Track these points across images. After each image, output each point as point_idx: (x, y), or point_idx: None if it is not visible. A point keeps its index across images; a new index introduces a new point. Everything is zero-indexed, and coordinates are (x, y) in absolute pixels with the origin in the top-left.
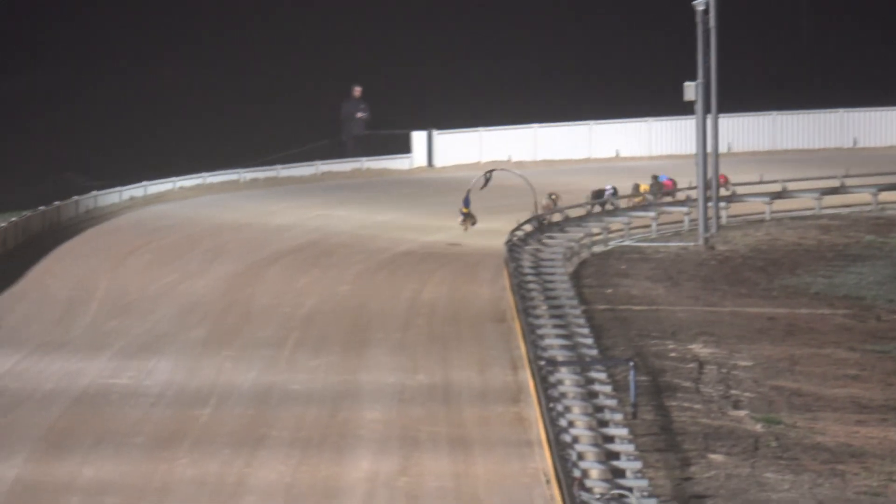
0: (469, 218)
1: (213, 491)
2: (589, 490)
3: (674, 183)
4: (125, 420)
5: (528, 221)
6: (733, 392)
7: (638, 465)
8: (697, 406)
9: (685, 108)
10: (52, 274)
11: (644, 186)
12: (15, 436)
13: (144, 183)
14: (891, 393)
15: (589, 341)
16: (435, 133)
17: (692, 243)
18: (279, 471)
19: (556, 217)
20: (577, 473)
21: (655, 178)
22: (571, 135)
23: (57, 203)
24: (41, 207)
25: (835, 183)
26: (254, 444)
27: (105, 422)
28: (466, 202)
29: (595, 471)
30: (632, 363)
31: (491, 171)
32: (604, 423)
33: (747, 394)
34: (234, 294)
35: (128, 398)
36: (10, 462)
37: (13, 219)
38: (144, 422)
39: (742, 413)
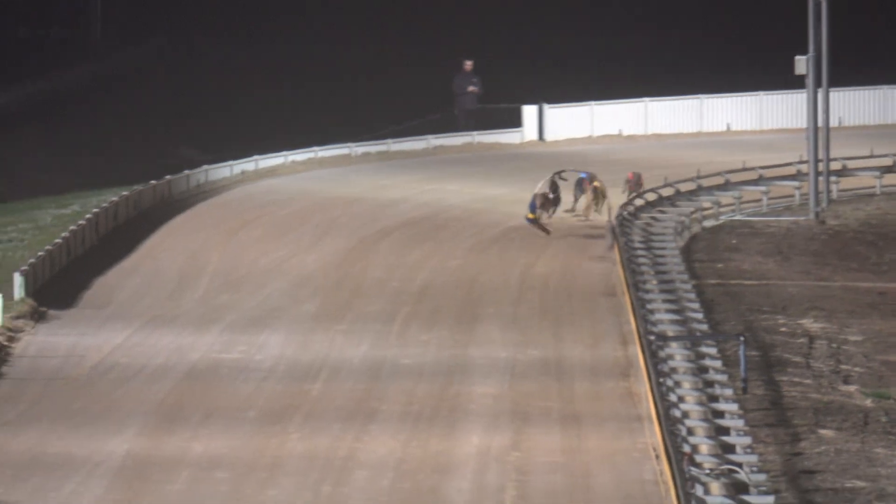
0: (542, 217)
1: (323, 465)
2: (699, 465)
3: (635, 176)
4: (235, 395)
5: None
6: (843, 367)
7: (748, 440)
8: (807, 381)
9: (796, 82)
10: (162, 248)
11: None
12: (125, 410)
13: (255, 157)
14: None
15: (699, 316)
16: (546, 107)
17: (803, 217)
18: (389, 445)
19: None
20: (686, 449)
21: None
22: (682, 109)
23: (168, 177)
24: (152, 182)
25: None
26: (364, 418)
27: (215, 396)
28: (532, 207)
29: (704, 446)
30: (742, 338)
31: (561, 172)
32: (714, 399)
33: (857, 369)
34: (346, 268)
35: (238, 372)
36: (121, 436)
37: (124, 193)
38: (255, 396)
39: (852, 388)
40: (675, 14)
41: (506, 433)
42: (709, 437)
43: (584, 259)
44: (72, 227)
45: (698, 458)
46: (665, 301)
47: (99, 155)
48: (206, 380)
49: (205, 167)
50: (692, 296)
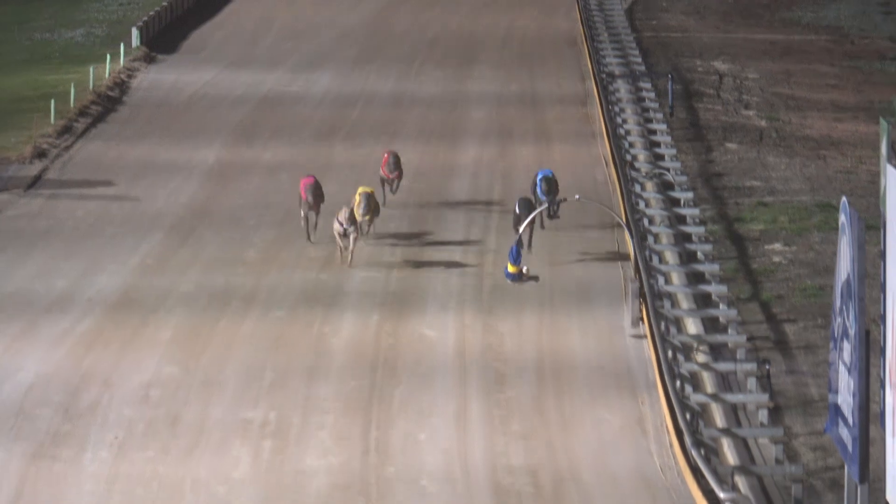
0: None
1: (360, 168)
2: (637, 169)
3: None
4: (295, 117)
5: None
6: (744, 97)
7: (673, 151)
8: (717, 107)
9: None
10: (241, 10)
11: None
12: (214, 128)
13: None
14: (861, 98)
15: (638, 60)
16: None
17: None
18: (409, 155)
19: None
20: (628, 157)
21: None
22: None
23: None
24: None
25: None
26: (390, 135)
27: (280, 118)
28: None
29: (641, 155)
30: (670, 75)
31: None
32: (648, 120)
33: (755, 98)
34: (377, 24)
35: (297, 101)
36: (211, 148)
37: None
38: (309, 118)
39: (751, 112)
40: None
41: (494, 146)
42: (644, 149)
43: (553, 19)
44: None
45: (637, 164)
46: (613, 49)
47: None
48: (274, 106)
49: None
50: (633, 45)
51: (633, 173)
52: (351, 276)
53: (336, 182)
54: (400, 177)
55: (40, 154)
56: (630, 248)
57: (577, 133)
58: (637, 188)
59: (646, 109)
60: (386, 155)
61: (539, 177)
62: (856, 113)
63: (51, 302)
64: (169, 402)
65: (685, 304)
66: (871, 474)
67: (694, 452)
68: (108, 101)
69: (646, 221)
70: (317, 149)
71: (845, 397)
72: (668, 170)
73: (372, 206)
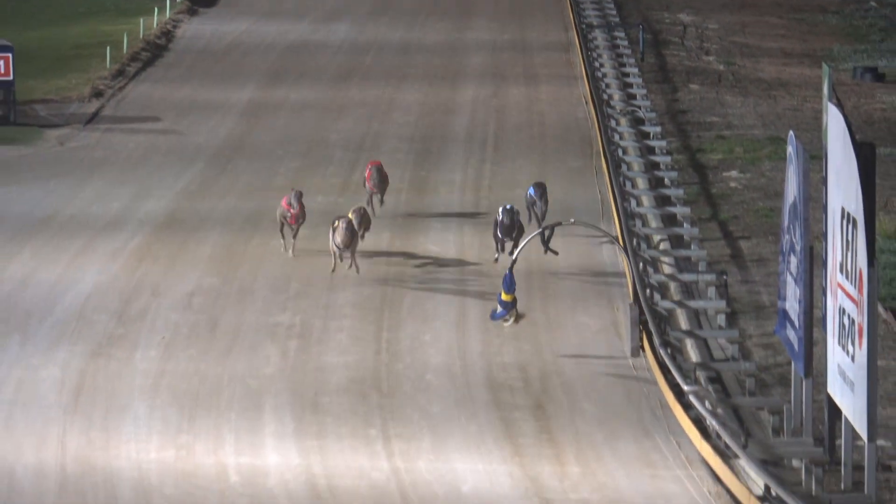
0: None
1: (373, 107)
2: (612, 107)
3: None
4: (317, 62)
5: None
6: (705, 45)
7: (644, 91)
8: (682, 54)
9: None
10: None
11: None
12: (247, 72)
13: None
14: (806, 46)
15: (613, 12)
16: None
17: None
18: (416, 95)
19: None
20: (605, 97)
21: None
22: None
23: None
24: None
25: None
26: (399, 78)
27: (304, 63)
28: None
29: (616, 95)
30: (641, 26)
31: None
32: (622, 65)
33: (714, 46)
34: None
35: (319, 48)
36: (245, 89)
37: None
38: (329, 64)
39: (711, 58)
40: None
41: (489, 87)
42: (619, 90)
43: None
44: None
45: (612, 103)
46: (591, 3)
47: None
48: (299, 53)
49: None
50: (609, 0)
51: (609, 110)
52: (363, 198)
53: (351, 118)
54: (385, 188)
55: (97, 94)
56: (627, 270)
57: (561, 76)
58: (612, 123)
59: (620, 55)
60: (369, 170)
61: (531, 190)
62: (801, 59)
63: (106, 222)
64: (209, 308)
65: (654, 223)
66: (814, 370)
67: (661, 351)
68: (156, 49)
69: (620, 151)
70: (335, 90)
71: (792, 304)
72: (639, 107)
73: (365, 221)
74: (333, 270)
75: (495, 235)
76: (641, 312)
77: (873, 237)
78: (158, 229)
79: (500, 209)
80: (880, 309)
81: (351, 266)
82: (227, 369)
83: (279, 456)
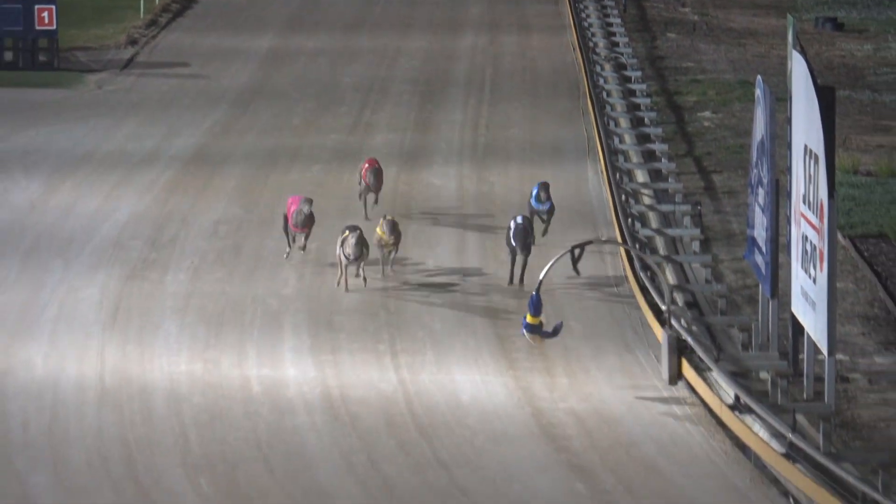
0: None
1: (381, 53)
2: (598, 54)
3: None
4: (331, 10)
5: None
6: None
7: (626, 39)
8: (661, 5)
9: None
10: None
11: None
12: (268, 21)
13: None
14: None
15: None
16: None
17: None
18: (420, 43)
19: None
20: (591, 44)
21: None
22: None
23: None
24: None
25: None
26: (404, 28)
27: (320, 13)
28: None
29: (601, 43)
30: None
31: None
32: (606, 16)
33: None
34: None
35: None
36: (265, 37)
37: None
38: (342, 12)
39: (686, 10)
40: None
41: (486, 36)
42: (603, 38)
43: None
44: None
45: (597, 50)
46: None
47: None
48: (315, 3)
49: None
50: None
51: (595, 56)
52: (372, 136)
53: (362, 64)
54: (380, 188)
55: (132, 42)
56: (664, 288)
57: (551, 26)
58: (598, 68)
59: (604, 7)
60: (366, 165)
61: (535, 189)
62: (769, 10)
63: (141, 158)
64: (233, 235)
65: (635, 158)
66: (779, 291)
67: (641, 274)
68: (185, 1)
69: (604, 94)
70: (347, 38)
71: (760, 232)
72: (621, 54)
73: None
74: (338, 284)
75: (508, 243)
76: (680, 339)
77: (833, 171)
78: (187, 164)
79: (512, 220)
80: (839, 236)
81: (358, 275)
82: (249, 290)
83: (297, 369)
